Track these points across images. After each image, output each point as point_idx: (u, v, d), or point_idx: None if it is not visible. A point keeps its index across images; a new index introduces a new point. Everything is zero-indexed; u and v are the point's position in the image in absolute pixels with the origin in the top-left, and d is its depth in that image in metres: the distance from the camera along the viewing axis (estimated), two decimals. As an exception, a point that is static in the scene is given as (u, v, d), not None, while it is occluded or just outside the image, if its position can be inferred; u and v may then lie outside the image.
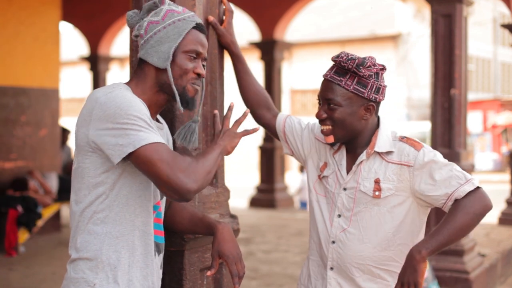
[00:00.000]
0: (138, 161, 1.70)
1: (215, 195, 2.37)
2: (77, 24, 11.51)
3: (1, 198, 6.94)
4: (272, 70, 10.07)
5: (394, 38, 22.29)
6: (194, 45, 1.86)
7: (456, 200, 2.04)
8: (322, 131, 2.17)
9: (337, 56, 2.12)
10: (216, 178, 2.39)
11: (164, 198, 1.98)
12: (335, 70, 2.13)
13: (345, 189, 2.18)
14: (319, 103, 2.17)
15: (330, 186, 2.22)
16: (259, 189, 10.33)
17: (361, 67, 2.08)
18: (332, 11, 24.83)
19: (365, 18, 23.33)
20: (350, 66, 2.08)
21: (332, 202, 2.20)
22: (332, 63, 2.17)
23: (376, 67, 2.11)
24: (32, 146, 7.88)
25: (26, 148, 7.79)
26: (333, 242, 2.18)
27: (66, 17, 9.77)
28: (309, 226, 2.33)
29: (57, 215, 7.68)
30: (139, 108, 1.73)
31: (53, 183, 7.75)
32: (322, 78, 2.18)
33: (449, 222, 1.99)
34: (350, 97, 2.10)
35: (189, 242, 2.16)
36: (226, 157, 2.51)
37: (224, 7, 2.41)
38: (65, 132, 8.99)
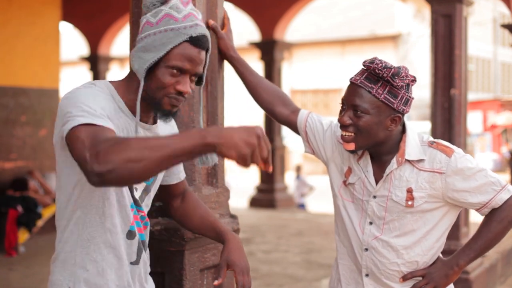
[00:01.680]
0: (69, 144, 1.57)
1: (215, 195, 2.37)
2: (77, 24, 11.51)
3: (1, 198, 6.94)
4: (272, 70, 10.07)
5: (394, 38, 22.30)
6: (179, 61, 1.71)
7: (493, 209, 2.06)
8: (342, 137, 2.07)
9: (371, 62, 2.01)
10: (216, 178, 2.39)
11: (147, 195, 1.90)
12: (366, 76, 2.03)
13: (375, 196, 2.11)
14: (342, 108, 2.07)
15: (358, 193, 2.15)
16: (259, 189, 10.33)
17: (396, 77, 1.99)
18: (332, 11, 24.84)
19: (365, 18, 23.35)
20: (385, 75, 1.99)
21: (361, 209, 2.14)
22: (361, 67, 2.08)
23: (408, 78, 2.04)
24: (32, 146, 7.88)
25: (26, 148, 7.79)
26: (366, 249, 2.14)
27: (66, 17, 9.77)
28: (336, 230, 2.27)
29: (57, 215, 7.69)
30: (88, 100, 1.62)
31: (53, 183, 7.76)
32: (349, 82, 2.08)
33: (485, 233, 2.06)
34: (379, 106, 2.00)
35: (189, 242, 2.16)
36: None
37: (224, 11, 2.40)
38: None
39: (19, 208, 6.75)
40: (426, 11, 19.97)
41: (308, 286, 5.46)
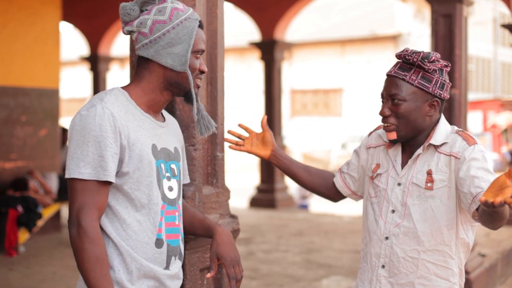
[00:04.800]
0: (69, 187, 1.78)
1: (215, 195, 2.37)
2: (77, 24, 11.51)
3: (1, 198, 6.94)
4: (272, 70, 10.07)
5: (394, 38, 22.30)
6: (200, 44, 1.89)
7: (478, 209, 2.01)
8: (385, 128, 2.14)
9: (401, 51, 2.11)
10: (216, 178, 2.39)
11: (179, 201, 1.95)
12: (399, 66, 2.12)
13: (399, 184, 2.15)
14: (382, 101, 2.15)
15: (382, 183, 2.19)
16: (259, 189, 10.32)
17: (426, 60, 2.06)
18: (332, 11, 24.85)
19: (365, 18, 23.36)
20: (415, 60, 2.07)
21: (383, 199, 2.17)
22: (396, 60, 2.16)
23: (440, 62, 2.10)
24: (32, 146, 7.88)
25: (26, 148, 7.79)
26: (387, 238, 2.15)
27: (66, 17, 9.77)
28: (362, 238, 2.30)
29: (57, 215, 7.68)
30: (101, 134, 1.74)
31: (53, 183, 7.76)
32: (386, 76, 2.16)
33: None
34: (414, 92, 2.08)
35: (189, 242, 2.16)
36: (226, 157, 2.52)
37: None
38: (65, 132, 8.98)
39: (19, 208, 6.74)
40: (426, 11, 19.98)
41: (308, 286, 5.46)
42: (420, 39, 22.04)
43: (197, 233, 2.07)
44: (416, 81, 2.08)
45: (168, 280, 1.88)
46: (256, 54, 10.57)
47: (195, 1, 2.23)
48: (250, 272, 5.83)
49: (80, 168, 1.73)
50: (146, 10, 1.86)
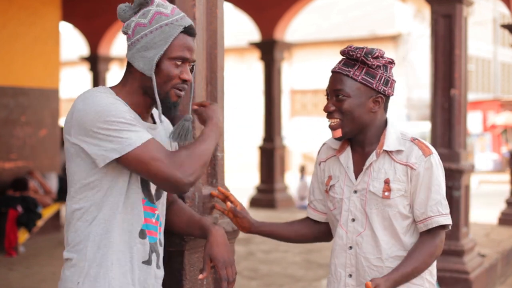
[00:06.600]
0: (130, 164, 1.74)
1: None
2: (77, 24, 11.51)
3: (1, 198, 6.94)
4: (272, 70, 10.07)
5: (394, 38, 22.30)
6: (180, 51, 1.82)
7: (427, 231, 2.08)
8: (329, 126, 2.13)
9: (345, 48, 2.12)
10: (216, 178, 2.39)
11: (161, 198, 1.95)
12: (344, 62, 2.12)
13: (355, 191, 2.14)
14: (327, 98, 2.14)
15: (337, 194, 2.18)
16: (259, 189, 10.32)
17: (369, 56, 2.06)
18: (332, 11, 24.84)
19: (365, 18, 23.35)
20: (358, 55, 2.07)
21: (342, 209, 2.16)
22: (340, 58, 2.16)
23: (384, 59, 2.11)
24: (32, 146, 7.88)
25: (26, 148, 7.79)
26: (350, 247, 2.15)
27: (66, 17, 9.76)
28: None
29: (57, 215, 7.69)
30: (118, 110, 1.73)
31: (53, 183, 7.76)
32: (330, 73, 2.15)
33: (414, 259, 2.06)
34: (358, 88, 2.08)
35: (189, 242, 2.16)
36: (226, 157, 2.52)
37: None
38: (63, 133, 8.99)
39: (19, 208, 6.75)
40: (426, 11, 19.98)
41: (308, 286, 5.46)
42: (420, 39, 22.04)
43: (194, 234, 2.07)
44: (360, 77, 2.07)
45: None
46: (256, 54, 10.57)
47: (195, 1, 2.23)
48: (250, 272, 5.83)
49: (126, 140, 1.71)
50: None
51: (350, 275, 2.15)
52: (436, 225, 2.07)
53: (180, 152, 1.77)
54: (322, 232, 2.34)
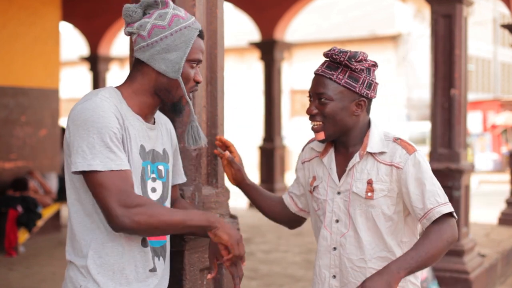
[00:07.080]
0: (87, 183, 1.73)
1: (215, 195, 2.37)
2: (77, 24, 11.51)
3: (1, 198, 6.94)
4: (272, 70, 10.07)
5: (394, 38, 22.29)
6: (197, 53, 1.88)
7: (432, 223, 2.03)
8: (312, 128, 2.13)
9: (329, 50, 2.11)
10: (216, 178, 2.39)
11: (165, 203, 1.95)
12: (327, 65, 2.12)
13: (339, 193, 2.14)
14: (310, 100, 2.13)
15: (321, 195, 2.18)
16: (259, 189, 10.32)
17: (352, 60, 2.06)
18: (332, 11, 24.84)
19: (365, 18, 23.34)
20: (341, 59, 2.06)
21: (325, 210, 2.17)
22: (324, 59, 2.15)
23: (367, 62, 2.10)
24: (32, 146, 7.88)
25: (26, 148, 7.79)
26: (334, 248, 2.15)
27: (66, 17, 9.77)
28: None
29: (57, 215, 7.68)
30: (105, 124, 1.72)
31: (53, 183, 7.76)
32: (313, 75, 2.15)
33: (426, 245, 1.99)
34: (341, 91, 2.07)
35: (189, 242, 2.16)
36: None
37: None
38: (65, 132, 9.00)
39: (19, 208, 6.75)
40: (426, 11, 19.98)
41: (308, 286, 5.46)
42: (420, 39, 22.04)
43: (196, 232, 2.06)
44: (343, 81, 2.07)
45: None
46: (256, 54, 10.57)
47: (195, 1, 2.23)
48: (250, 272, 5.83)
49: (92, 163, 1.71)
50: (149, 13, 1.86)
51: (334, 276, 2.15)
52: (438, 215, 2.03)
53: (144, 199, 1.74)
54: (291, 219, 2.39)
